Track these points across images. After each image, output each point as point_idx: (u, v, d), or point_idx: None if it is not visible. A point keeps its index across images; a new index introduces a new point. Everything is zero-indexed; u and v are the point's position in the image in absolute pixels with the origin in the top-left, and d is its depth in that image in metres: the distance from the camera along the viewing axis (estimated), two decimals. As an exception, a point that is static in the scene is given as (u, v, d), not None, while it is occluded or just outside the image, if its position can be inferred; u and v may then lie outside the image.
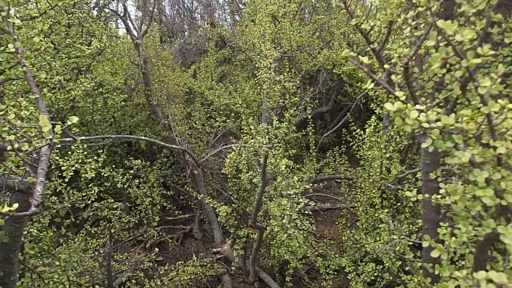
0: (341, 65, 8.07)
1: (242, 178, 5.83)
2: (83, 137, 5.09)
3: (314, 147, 7.47)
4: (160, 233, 7.07)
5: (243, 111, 7.67)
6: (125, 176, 7.63)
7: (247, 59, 10.52)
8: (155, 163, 7.54)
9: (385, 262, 4.17)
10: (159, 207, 7.00)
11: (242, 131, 7.95)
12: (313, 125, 7.27)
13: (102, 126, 7.24)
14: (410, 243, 3.31)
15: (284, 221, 3.62)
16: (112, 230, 4.92)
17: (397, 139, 4.89)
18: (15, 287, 2.73)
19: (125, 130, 7.77)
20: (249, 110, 7.91)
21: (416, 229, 4.34)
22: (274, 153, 4.08)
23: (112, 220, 4.73)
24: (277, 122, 5.87)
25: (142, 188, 7.00)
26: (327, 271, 4.85)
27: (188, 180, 7.98)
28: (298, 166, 7.70)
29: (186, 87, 8.80)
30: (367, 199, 5.37)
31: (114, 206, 4.57)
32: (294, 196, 3.65)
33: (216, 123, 7.74)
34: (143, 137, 5.66)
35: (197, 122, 7.97)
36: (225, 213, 5.63)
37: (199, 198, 6.16)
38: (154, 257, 5.83)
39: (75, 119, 1.88)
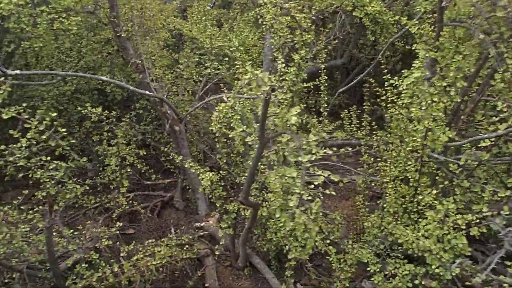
0: (363, 6, 6.51)
1: (233, 137, 4.47)
2: (18, 71, 3.65)
3: (326, 105, 6.06)
4: (133, 202, 5.79)
5: (240, 56, 6.18)
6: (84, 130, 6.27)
7: (248, 2, 8.88)
8: (126, 115, 6.13)
9: (431, 264, 2.88)
10: (130, 169, 5.67)
11: (237, 80, 6.49)
12: (326, 78, 5.82)
13: (64, 66, 5.77)
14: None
15: (291, 203, 2.28)
16: (60, 201, 3.60)
17: (451, 93, 3.49)
18: None
19: (93, 72, 6.29)
20: (247, 56, 6.41)
21: (477, 219, 3.03)
22: (280, 98, 2.69)
23: (47, 186, 3.39)
24: (284, 66, 4.44)
25: (112, 146, 5.64)
26: (341, 266, 3.59)
27: (171, 139, 6.61)
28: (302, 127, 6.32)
29: (171, 26, 7.24)
30: (398, 172, 4.04)
31: (49, 167, 3.21)
32: (308, 165, 2.30)
33: (206, 70, 6.27)
34: (103, 78, 4.24)
35: (184, 70, 6.49)
36: (210, 182, 4.31)
37: (177, 161, 4.81)
38: (117, 231, 4.56)
39: None
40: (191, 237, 5.06)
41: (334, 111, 7.93)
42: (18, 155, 3.15)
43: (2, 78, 2.36)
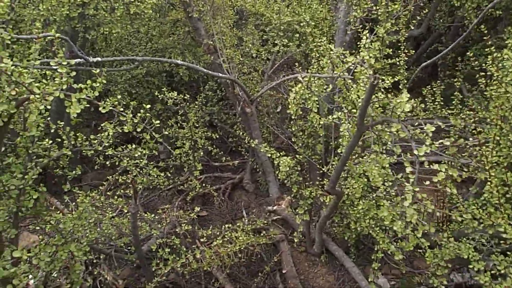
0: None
1: (312, 120, 4.23)
2: (99, 58, 3.67)
3: (405, 82, 5.57)
4: (204, 184, 5.82)
5: (311, 32, 5.82)
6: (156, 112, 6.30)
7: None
8: (198, 98, 6.09)
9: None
10: (202, 152, 5.66)
11: (309, 57, 6.17)
12: (406, 52, 5.32)
13: (134, 49, 5.80)
14: None
15: (405, 202, 2.03)
16: (139, 185, 3.64)
17: None
18: None
19: (162, 54, 6.29)
20: (318, 31, 6.03)
21: None
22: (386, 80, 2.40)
23: (134, 173, 3.41)
24: (367, 40, 4.07)
25: (182, 128, 5.66)
26: (436, 261, 3.30)
27: (239, 120, 6.51)
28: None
29: (235, 5, 6.99)
30: (502, 159, 3.59)
31: (135, 155, 3.21)
32: (423, 159, 2.02)
33: (275, 48, 6.01)
34: (179, 62, 4.16)
35: (252, 48, 6.28)
36: (287, 167, 4.14)
37: (253, 145, 4.68)
38: (194, 215, 4.58)
39: None
40: (265, 222, 4.99)
41: (409, 87, 7.36)
42: (106, 144, 3.16)
43: (98, 70, 2.31)
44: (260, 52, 6.03)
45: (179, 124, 5.73)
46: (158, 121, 2.69)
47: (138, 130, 2.59)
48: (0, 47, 2.32)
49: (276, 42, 5.95)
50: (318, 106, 4.35)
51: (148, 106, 2.58)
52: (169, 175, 5.95)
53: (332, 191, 3.21)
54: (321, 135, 4.43)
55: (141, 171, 3.46)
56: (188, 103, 5.41)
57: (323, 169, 4.74)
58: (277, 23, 6.22)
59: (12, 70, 2.15)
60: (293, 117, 4.44)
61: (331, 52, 4.62)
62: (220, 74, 4.63)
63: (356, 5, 4.28)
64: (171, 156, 6.09)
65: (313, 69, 4.50)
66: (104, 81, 2.26)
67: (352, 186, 3.87)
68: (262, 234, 4.52)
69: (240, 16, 8.03)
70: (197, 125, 5.45)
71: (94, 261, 4.15)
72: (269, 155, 4.49)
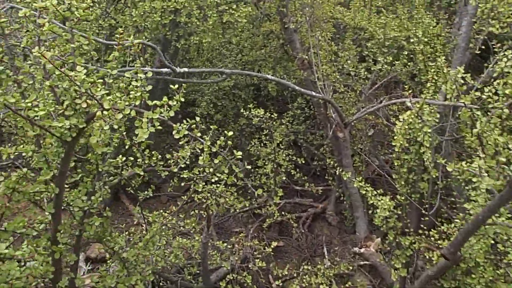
0: None
1: (422, 156, 3.47)
2: (186, 69, 3.37)
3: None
4: (283, 209, 5.28)
5: (422, 50, 5.01)
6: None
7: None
8: (285, 116, 5.61)
9: None
10: (284, 176, 5.15)
11: (416, 79, 5.33)
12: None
13: (224, 60, 5.53)
14: None
15: None
16: (213, 211, 3.24)
17: None
18: None
19: (252, 67, 5.95)
20: (429, 48, 5.18)
21: None
22: None
23: (209, 201, 3.01)
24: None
25: (265, 146, 5.22)
26: None
27: (326, 142, 5.89)
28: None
29: (334, 16, 6.41)
30: None
31: (212, 180, 2.81)
32: None
33: (376, 66, 5.29)
34: (269, 76, 3.73)
35: (346, 63, 5.64)
36: (387, 211, 3.42)
37: (345, 179, 4.04)
38: (270, 250, 4.06)
39: None
40: (350, 266, 4.28)
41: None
42: (182, 165, 2.80)
43: (176, 86, 1.92)
44: (359, 70, 5.36)
45: (262, 143, 5.31)
46: (239, 153, 2.23)
47: (216, 161, 2.15)
48: (77, 52, 2.05)
49: (378, 59, 5.24)
50: (430, 139, 3.57)
51: (231, 133, 2.13)
52: (245, 193, 5.57)
53: (452, 257, 2.45)
54: (433, 175, 3.64)
55: (216, 199, 3.05)
56: (274, 121, 4.95)
57: (426, 212, 3.93)
58: (381, 38, 5.51)
59: (83, 79, 1.84)
60: (396, 150, 3.73)
61: (449, 73, 3.82)
62: (314, 93, 4.09)
63: (491, 18, 3.44)
64: (250, 175, 5.68)
65: (427, 93, 3.74)
66: (182, 99, 1.85)
67: (472, 247, 3.02)
68: (347, 285, 3.83)
69: (337, 29, 7.44)
70: (282, 146, 4.96)
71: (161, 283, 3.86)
72: (364, 192, 3.81)
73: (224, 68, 4.69)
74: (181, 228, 3.83)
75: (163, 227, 3.44)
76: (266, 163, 5.19)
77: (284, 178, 5.08)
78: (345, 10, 6.79)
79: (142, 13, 3.52)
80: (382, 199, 3.56)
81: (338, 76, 4.86)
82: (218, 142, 2.12)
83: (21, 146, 2.13)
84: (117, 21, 3.76)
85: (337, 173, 5.14)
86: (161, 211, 3.73)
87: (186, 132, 1.82)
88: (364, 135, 5.44)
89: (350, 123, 4.62)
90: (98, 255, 4.40)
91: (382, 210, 3.39)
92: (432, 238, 3.82)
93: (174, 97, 1.87)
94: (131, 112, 1.87)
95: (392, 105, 4.50)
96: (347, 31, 6.71)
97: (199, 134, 1.94)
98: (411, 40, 5.12)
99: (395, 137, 3.51)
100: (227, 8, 3.70)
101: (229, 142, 2.15)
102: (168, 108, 1.85)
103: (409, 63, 5.25)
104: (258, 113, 4.07)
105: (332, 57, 5.74)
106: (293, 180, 6.06)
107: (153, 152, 2.74)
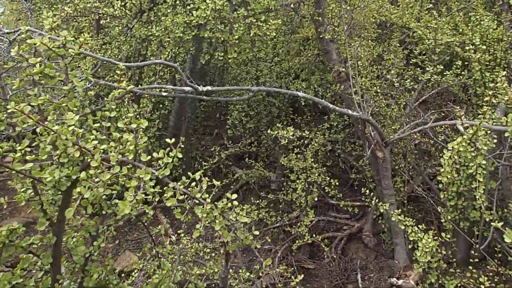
0: None
1: (474, 188, 3.00)
2: (209, 87, 3.13)
3: None
4: (316, 227, 4.96)
5: (480, 58, 4.41)
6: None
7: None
8: (321, 127, 5.24)
9: None
10: (317, 195, 4.80)
11: (473, 91, 4.73)
12: None
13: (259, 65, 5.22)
14: None
15: None
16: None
17: None
18: None
19: (287, 73, 5.60)
20: (488, 56, 4.56)
21: None
22: None
23: (227, 238, 2.76)
24: None
25: (300, 157, 4.89)
26: None
27: (365, 154, 5.44)
28: None
29: (378, 17, 5.85)
30: None
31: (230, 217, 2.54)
32: None
33: (424, 76, 4.75)
34: (300, 93, 3.39)
35: (389, 70, 5.13)
36: (429, 255, 3.00)
37: (382, 210, 3.64)
38: (297, 280, 3.77)
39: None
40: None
41: None
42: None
43: (173, 140, 1.66)
44: (404, 79, 4.84)
45: (296, 155, 4.99)
46: (235, 195, 1.94)
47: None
48: (70, 94, 1.86)
49: (427, 68, 4.69)
50: (484, 169, 3.08)
51: (235, 196, 1.84)
52: (277, 206, 5.29)
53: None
54: (483, 203, 3.16)
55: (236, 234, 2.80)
56: (309, 133, 4.59)
57: (476, 245, 3.47)
58: (432, 43, 4.94)
59: (70, 131, 1.64)
60: (443, 182, 3.28)
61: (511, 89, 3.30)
62: (350, 112, 3.69)
63: None
64: (282, 189, 5.39)
65: (483, 118, 3.22)
66: (180, 155, 1.60)
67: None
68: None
69: (382, 28, 6.85)
70: (318, 155, 4.59)
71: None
72: (403, 226, 3.39)
73: (259, 74, 4.37)
74: (201, 253, 3.63)
75: (181, 256, 3.25)
76: (299, 178, 4.87)
77: (316, 197, 4.73)
78: (393, 8, 6.20)
79: (164, 28, 3.30)
80: (424, 238, 3.13)
81: (378, 90, 4.39)
82: (220, 204, 1.84)
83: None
84: (141, 37, 3.57)
85: (375, 191, 4.74)
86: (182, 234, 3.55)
87: (181, 198, 1.57)
88: (407, 151, 4.94)
89: (391, 142, 4.18)
90: None
91: (423, 254, 2.97)
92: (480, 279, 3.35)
93: (171, 153, 1.62)
94: (124, 169, 1.64)
95: (439, 126, 3.98)
96: (394, 31, 6.14)
97: (199, 195, 1.68)
98: (467, 48, 4.52)
99: (441, 170, 3.06)
100: (254, 20, 3.37)
101: (235, 203, 1.87)
102: (164, 167, 1.60)
103: (462, 72, 4.66)
104: (288, 132, 3.73)
105: (373, 68, 5.21)
106: (329, 193, 5.69)
107: (164, 188, 2.53)
